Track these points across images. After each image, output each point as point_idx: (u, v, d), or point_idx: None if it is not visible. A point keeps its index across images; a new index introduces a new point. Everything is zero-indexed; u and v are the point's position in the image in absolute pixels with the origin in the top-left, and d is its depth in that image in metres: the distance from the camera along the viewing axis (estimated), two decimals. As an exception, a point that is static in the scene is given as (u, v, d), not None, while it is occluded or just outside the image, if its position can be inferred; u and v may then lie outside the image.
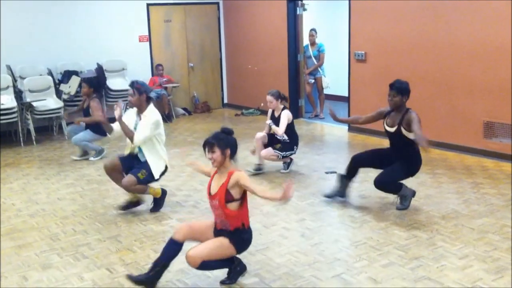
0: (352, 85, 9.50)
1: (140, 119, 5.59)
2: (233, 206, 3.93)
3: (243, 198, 3.98)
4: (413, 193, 5.66)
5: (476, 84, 7.52)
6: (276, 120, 7.03)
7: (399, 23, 8.43)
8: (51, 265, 4.60)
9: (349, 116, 9.21)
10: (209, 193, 4.05)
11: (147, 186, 5.66)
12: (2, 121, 9.06)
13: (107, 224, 5.51)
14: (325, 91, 11.02)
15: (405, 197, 5.59)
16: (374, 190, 6.17)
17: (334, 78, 11.17)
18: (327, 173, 7.05)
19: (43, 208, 6.07)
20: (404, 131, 5.42)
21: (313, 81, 10.86)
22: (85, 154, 8.19)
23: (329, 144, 8.92)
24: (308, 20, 11.33)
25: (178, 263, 4.51)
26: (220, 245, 3.93)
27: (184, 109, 11.99)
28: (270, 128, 7.08)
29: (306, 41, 10.86)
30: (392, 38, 8.55)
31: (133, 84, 5.60)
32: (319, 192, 6.31)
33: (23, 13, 9.97)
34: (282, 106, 7.06)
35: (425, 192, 6.13)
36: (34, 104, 9.28)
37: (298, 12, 10.62)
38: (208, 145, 3.94)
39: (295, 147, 7.10)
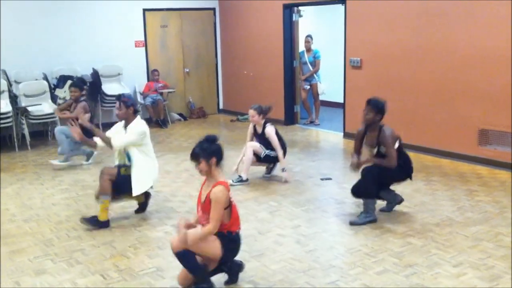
0: (347, 92, 9.53)
1: (126, 132, 5.59)
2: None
3: (230, 205, 3.99)
4: (400, 200, 5.71)
5: (471, 91, 7.54)
6: (259, 137, 6.95)
7: (395, 29, 8.46)
8: (45, 270, 4.57)
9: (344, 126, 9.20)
10: (200, 201, 4.07)
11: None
12: (-3, 126, 9.04)
13: (101, 230, 5.49)
14: (321, 97, 11.04)
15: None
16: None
17: (330, 85, 11.19)
18: (322, 179, 7.05)
19: (37, 213, 6.04)
20: (383, 150, 5.37)
21: (308, 87, 10.88)
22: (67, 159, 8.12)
23: (325, 151, 8.92)
24: (304, 26, 11.35)
25: (173, 269, 4.51)
26: (209, 239, 3.91)
27: (180, 114, 11.99)
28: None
29: (302, 47, 10.88)
30: (387, 45, 8.58)
31: (119, 97, 5.59)
32: (314, 198, 6.31)
33: (19, 18, 9.97)
34: (263, 121, 6.98)
35: (419, 199, 6.14)
36: (29, 108, 9.26)
37: (294, 18, 10.65)
38: (193, 156, 3.99)
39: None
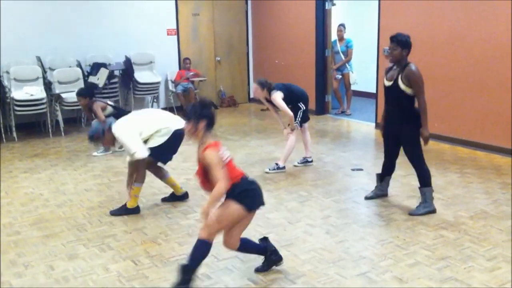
0: (380, 82, 9.40)
1: None
2: None
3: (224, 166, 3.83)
4: (432, 210, 5.44)
5: (507, 82, 7.36)
6: (271, 103, 6.97)
7: (430, 18, 8.30)
8: (77, 255, 4.64)
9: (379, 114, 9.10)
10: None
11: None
12: (31, 112, 9.19)
13: (133, 216, 5.54)
14: (353, 87, 10.93)
15: (425, 201, 5.40)
16: (401, 188, 6.12)
17: (362, 74, 11.07)
18: (353, 170, 6.98)
19: (70, 199, 6.14)
20: (401, 85, 5.21)
21: (340, 76, 10.78)
22: (107, 149, 8.22)
23: (356, 141, 8.84)
24: (337, 15, 11.23)
25: (203, 257, 4.54)
26: (225, 207, 3.84)
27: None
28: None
29: (334, 36, 10.77)
30: (422, 34, 8.42)
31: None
32: (345, 188, 6.27)
33: (53, 5, 10.09)
34: (267, 95, 6.93)
35: (453, 192, 6.03)
36: (63, 95, 9.39)
37: (326, 7, 10.54)
38: (184, 116, 3.96)
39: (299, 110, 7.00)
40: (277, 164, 6.97)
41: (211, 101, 4.00)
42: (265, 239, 4.28)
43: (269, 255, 4.22)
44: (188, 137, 3.95)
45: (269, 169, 6.91)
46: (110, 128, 5.41)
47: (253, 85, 6.96)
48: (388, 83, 5.37)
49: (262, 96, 6.96)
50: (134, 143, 5.33)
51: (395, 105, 5.36)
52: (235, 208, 3.82)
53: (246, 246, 4.12)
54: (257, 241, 4.26)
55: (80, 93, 7.86)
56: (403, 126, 5.31)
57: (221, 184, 3.67)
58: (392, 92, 5.35)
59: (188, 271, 3.86)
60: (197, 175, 3.94)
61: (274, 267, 4.26)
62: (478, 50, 7.68)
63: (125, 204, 5.62)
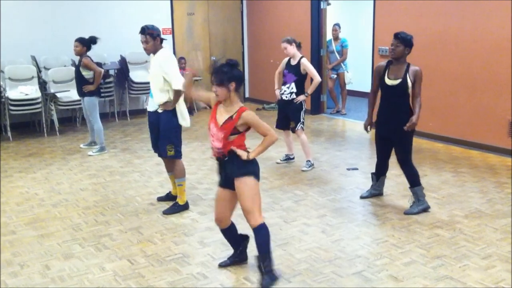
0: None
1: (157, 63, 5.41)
2: (233, 137, 3.91)
3: (246, 130, 3.98)
4: (426, 207, 5.47)
5: (501, 81, 7.40)
6: (292, 68, 6.95)
7: (424, 18, 8.33)
8: (73, 255, 4.64)
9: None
10: (216, 123, 3.95)
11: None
12: (26, 111, 9.17)
13: (129, 215, 5.55)
14: (348, 87, 10.95)
15: (418, 200, 5.44)
16: (396, 187, 6.14)
17: (357, 74, 11.09)
18: (348, 169, 7.00)
19: (65, 198, 6.13)
20: (409, 83, 5.29)
21: (335, 76, 10.80)
22: (92, 143, 8.37)
23: (351, 140, 8.86)
24: (332, 15, 11.25)
25: (199, 255, 4.54)
26: (248, 188, 3.89)
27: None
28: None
29: (329, 35, 10.79)
30: (416, 34, 8.34)
31: (144, 31, 5.41)
32: (340, 188, 6.28)
33: (48, 5, 10.06)
34: (300, 55, 6.99)
35: (448, 191, 6.06)
36: (58, 95, 9.37)
37: (322, 7, 10.55)
38: (213, 77, 3.84)
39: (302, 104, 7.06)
40: (308, 161, 7.05)
41: (236, 60, 3.95)
42: (245, 237, 4.34)
43: (239, 252, 4.31)
44: (219, 99, 3.91)
45: (306, 168, 7.00)
46: (157, 36, 5.47)
47: (282, 45, 6.96)
48: (393, 82, 5.35)
49: (294, 54, 6.96)
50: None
51: (396, 104, 5.37)
52: (254, 183, 3.92)
53: (231, 230, 4.21)
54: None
55: (80, 40, 7.98)
56: (400, 127, 5.30)
57: (273, 134, 3.90)
58: (396, 91, 5.36)
59: (264, 258, 3.92)
60: (222, 132, 3.89)
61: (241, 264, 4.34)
62: (472, 50, 7.71)
63: (176, 202, 5.65)
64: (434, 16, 8.18)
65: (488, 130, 7.65)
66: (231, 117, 3.87)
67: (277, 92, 7.13)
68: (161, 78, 5.36)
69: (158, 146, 5.58)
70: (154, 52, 5.48)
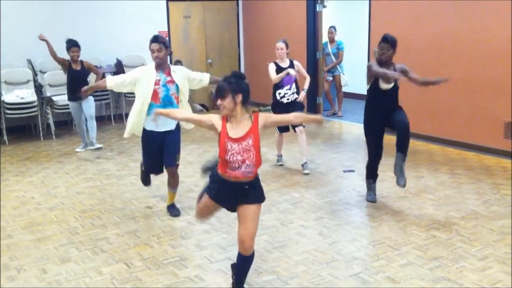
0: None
1: (168, 75, 5.33)
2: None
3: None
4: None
5: (496, 84, 7.42)
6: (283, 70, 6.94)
7: (421, 21, 8.36)
8: (70, 258, 4.63)
9: None
10: (233, 139, 3.61)
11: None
12: (22, 115, 9.15)
13: (126, 218, 5.54)
14: (344, 89, 10.97)
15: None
16: (392, 189, 6.14)
17: (353, 76, 11.11)
18: (345, 171, 7.01)
19: (62, 202, 6.12)
20: (398, 83, 5.43)
21: (331, 78, 10.82)
22: (87, 144, 8.42)
23: (347, 143, 8.87)
24: (328, 17, 11.27)
25: (196, 258, 4.54)
26: (257, 215, 3.74)
27: (202, 105, 12.00)
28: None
29: (325, 38, 10.81)
30: (412, 36, 8.47)
31: (158, 39, 5.31)
32: (337, 190, 6.29)
33: (43, 8, 10.05)
34: (289, 59, 7.03)
35: (444, 192, 6.07)
36: (54, 98, 9.36)
37: (317, 9, 10.57)
38: (218, 90, 3.60)
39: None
40: (306, 163, 7.05)
41: (242, 73, 3.79)
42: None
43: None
44: (225, 112, 3.64)
45: (307, 171, 6.98)
46: (168, 46, 5.48)
47: (278, 44, 6.97)
48: (388, 86, 5.42)
49: (285, 58, 6.98)
50: None
51: (391, 105, 5.47)
52: (259, 211, 3.78)
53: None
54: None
55: (79, 45, 8.21)
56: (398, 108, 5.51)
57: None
58: (391, 94, 5.44)
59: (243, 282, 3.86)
60: (247, 140, 3.63)
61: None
62: (468, 52, 7.74)
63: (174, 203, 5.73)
64: (430, 18, 8.20)
65: (484, 131, 7.67)
66: (250, 126, 3.65)
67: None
68: (188, 89, 5.50)
69: (165, 159, 5.48)
70: (163, 64, 5.34)
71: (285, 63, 6.98)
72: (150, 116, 5.13)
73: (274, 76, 6.96)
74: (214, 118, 3.74)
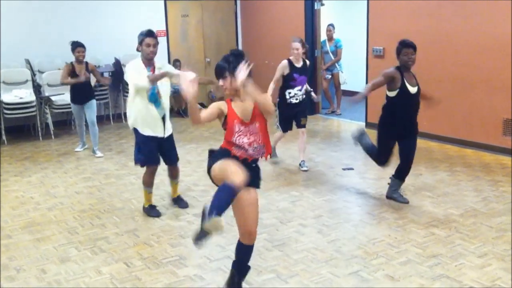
0: (369, 81, 9.42)
1: (153, 72, 5.60)
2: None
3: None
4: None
5: (495, 81, 7.42)
6: (300, 71, 6.89)
7: (419, 18, 8.35)
8: (69, 258, 4.63)
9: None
10: (241, 121, 3.52)
11: None
12: (21, 115, 9.15)
13: (125, 218, 5.54)
14: (342, 87, 10.96)
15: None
16: (391, 187, 6.14)
17: (352, 74, 11.10)
18: (344, 169, 7.01)
19: (61, 202, 6.12)
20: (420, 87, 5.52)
21: (330, 76, 10.81)
22: (85, 144, 8.48)
23: (346, 141, 8.85)
24: (326, 15, 11.26)
25: (196, 257, 4.54)
26: (257, 201, 3.71)
27: (201, 104, 12.00)
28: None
29: (323, 36, 10.80)
30: (411, 34, 8.41)
31: (153, 34, 5.45)
32: (336, 188, 6.29)
33: (41, 8, 10.04)
34: (302, 59, 6.98)
35: (443, 190, 6.08)
36: (53, 98, 9.35)
37: (315, 7, 10.57)
38: (218, 70, 3.50)
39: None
40: (303, 161, 7.07)
41: (242, 50, 3.63)
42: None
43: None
44: (227, 93, 3.54)
45: (306, 167, 7.02)
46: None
47: (294, 44, 6.82)
48: (414, 89, 5.46)
49: (300, 57, 6.90)
50: None
51: (417, 108, 5.56)
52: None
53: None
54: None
55: (84, 46, 8.14)
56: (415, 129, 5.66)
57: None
58: (417, 98, 5.50)
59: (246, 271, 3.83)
60: (254, 123, 3.55)
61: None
62: (466, 50, 7.74)
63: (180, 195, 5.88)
64: (428, 16, 8.20)
65: (483, 128, 7.67)
66: (254, 106, 3.53)
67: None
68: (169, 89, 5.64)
69: (168, 159, 5.60)
70: (152, 60, 5.61)
71: (299, 63, 6.94)
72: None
73: (278, 77, 6.93)
74: (219, 104, 3.59)
